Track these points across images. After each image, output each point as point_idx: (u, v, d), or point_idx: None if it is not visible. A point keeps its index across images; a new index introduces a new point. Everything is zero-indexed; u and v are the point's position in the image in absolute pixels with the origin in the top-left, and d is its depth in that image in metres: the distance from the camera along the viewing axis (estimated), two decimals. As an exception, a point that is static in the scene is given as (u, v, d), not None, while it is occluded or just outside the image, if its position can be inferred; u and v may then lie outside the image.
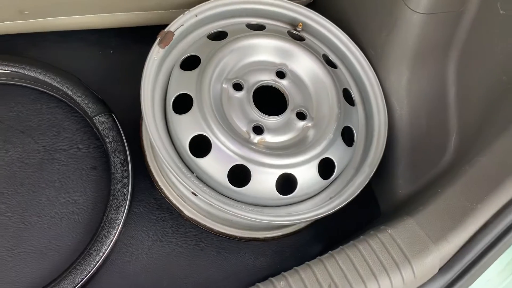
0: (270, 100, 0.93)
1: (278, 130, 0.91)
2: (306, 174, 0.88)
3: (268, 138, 0.90)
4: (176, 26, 0.94)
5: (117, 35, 1.11)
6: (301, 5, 1.02)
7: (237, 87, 0.91)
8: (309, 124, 0.92)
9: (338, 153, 0.91)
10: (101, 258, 0.89)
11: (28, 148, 0.99)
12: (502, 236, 0.80)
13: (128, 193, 0.94)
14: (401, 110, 0.99)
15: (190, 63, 0.92)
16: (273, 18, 1.02)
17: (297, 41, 0.96)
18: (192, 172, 0.88)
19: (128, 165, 0.96)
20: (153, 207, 1.00)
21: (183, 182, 0.85)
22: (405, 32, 0.94)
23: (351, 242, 0.82)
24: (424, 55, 0.97)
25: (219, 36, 0.95)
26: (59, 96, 1.02)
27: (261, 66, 0.95)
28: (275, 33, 0.96)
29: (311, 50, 0.96)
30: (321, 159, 0.89)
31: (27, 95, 1.02)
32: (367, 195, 1.00)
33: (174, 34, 0.93)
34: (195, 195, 0.85)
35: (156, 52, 0.91)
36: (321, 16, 1.02)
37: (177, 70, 0.92)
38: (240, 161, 0.85)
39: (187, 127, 0.87)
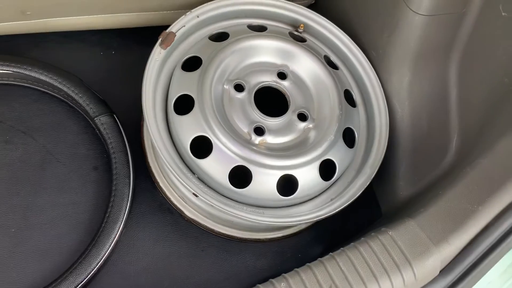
0: (271, 101, 0.93)
1: (279, 131, 0.91)
2: (307, 176, 0.88)
3: (269, 139, 0.90)
4: (178, 27, 0.94)
5: (119, 36, 1.11)
6: (302, 6, 1.02)
7: (239, 88, 0.91)
8: (310, 126, 0.92)
9: (339, 155, 0.91)
10: (102, 258, 0.89)
11: (30, 149, 0.99)
12: (503, 238, 0.79)
13: (129, 193, 0.94)
14: (403, 112, 0.99)
15: (192, 64, 0.92)
16: (275, 19, 1.02)
17: (298, 42, 0.96)
18: (193, 173, 0.88)
19: (129, 166, 0.96)
20: (154, 208, 1.00)
21: (184, 183, 0.85)
22: (406, 34, 0.94)
23: (352, 243, 0.82)
24: (426, 57, 0.96)
25: (220, 37, 0.95)
26: (60, 97, 1.02)
27: (263, 67, 0.95)
28: (277, 34, 0.96)
29: (313, 51, 0.96)
30: (322, 160, 0.89)
31: (29, 95, 1.02)
32: (368, 196, 0.99)
33: (175, 35, 0.93)
34: (196, 196, 0.85)
35: (157, 53, 0.92)
36: (322, 17, 1.02)
37: (179, 71, 0.92)
38: (241, 162, 0.85)
39: (188, 128, 0.87)
